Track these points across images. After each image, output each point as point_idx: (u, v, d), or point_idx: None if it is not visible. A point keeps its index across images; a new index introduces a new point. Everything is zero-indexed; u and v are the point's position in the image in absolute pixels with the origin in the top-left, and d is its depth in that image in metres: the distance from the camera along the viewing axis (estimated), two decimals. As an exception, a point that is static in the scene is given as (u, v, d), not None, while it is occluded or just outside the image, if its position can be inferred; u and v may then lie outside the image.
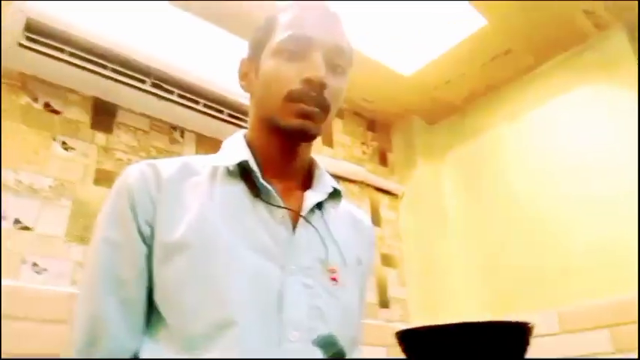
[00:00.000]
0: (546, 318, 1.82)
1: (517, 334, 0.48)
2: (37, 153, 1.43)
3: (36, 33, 1.35)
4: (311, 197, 0.73)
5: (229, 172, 0.72)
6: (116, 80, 1.50)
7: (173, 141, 1.73)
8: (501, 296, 2.04)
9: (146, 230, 0.66)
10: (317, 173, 0.79)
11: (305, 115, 0.69)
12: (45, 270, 1.33)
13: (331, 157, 2.19)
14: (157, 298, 0.65)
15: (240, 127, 1.67)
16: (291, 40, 0.71)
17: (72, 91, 1.55)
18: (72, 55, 1.41)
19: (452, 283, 2.19)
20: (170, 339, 0.63)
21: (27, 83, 1.48)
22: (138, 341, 0.65)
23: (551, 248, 1.92)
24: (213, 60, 1.66)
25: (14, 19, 1.32)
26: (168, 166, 0.71)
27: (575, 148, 1.95)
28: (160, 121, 1.72)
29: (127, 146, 1.62)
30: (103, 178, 1.52)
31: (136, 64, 1.51)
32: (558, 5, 1.83)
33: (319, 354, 0.65)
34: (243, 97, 1.61)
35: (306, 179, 0.79)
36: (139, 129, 1.67)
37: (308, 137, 0.73)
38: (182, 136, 1.76)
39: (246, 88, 0.80)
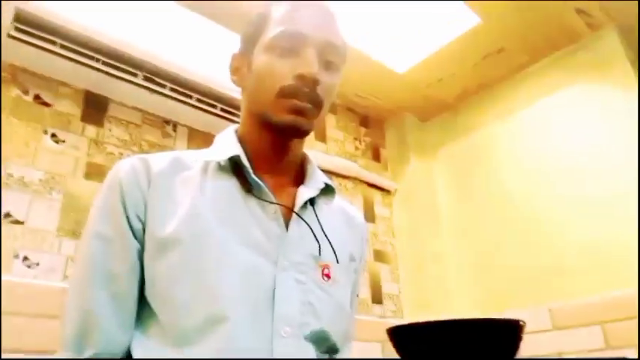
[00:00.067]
0: (538, 315, 1.84)
1: (508, 332, 0.48)
2: (28, 146, 1.42)
3: (26, 24, 1.33)
4: (303, 193, 0.73)
5: (221, 168, 0.72)
6: (107, 73, 1.48)
7: (165, 135, 1.72)
8: (494, 293, 2.05)
9: (137, 225, 0.66)
10: (309, 169, 0.79)
11: (298, 111, 0.69)
12: (36, 264, 1.32)
13: (324, 152, 2.19)
14: (149, 293, 0.65)
15: (234, 122, 1.67)
16: (284, 36, 0.71)
17: (63, 83, 1.54)
18: (63, 47, 1.39)
19: (444, 280, 2.20)
20: (162, 334, 0.63)
21: (17, 75, 1.46)
22: (129, 336, 0.65)
23: (544, 246, 1.93)
24: (206, 54, 1.65)
25: (3, 10, 1.30)
26: (159, 160, 0.71)
27: (567, 147, 1.96)
28: (153, 114, 1.71)
29: (118, 140, 1.61)
30: (94, 172, 1.51)
31: (128, 57, 1.50)
32: (551, 5, 1.83)
33: (311, 349, 0.65)
34: (236, 92, 1.60)
35: (299, 175, 0.79)
36: (131, 122, 1.66)
37: (300, 133, 0.73)
38: (174, 130, 1.75)
39: (237, 83, 0.79)
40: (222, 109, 1.70)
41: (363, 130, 2.46)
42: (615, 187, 1.78)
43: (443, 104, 2.43)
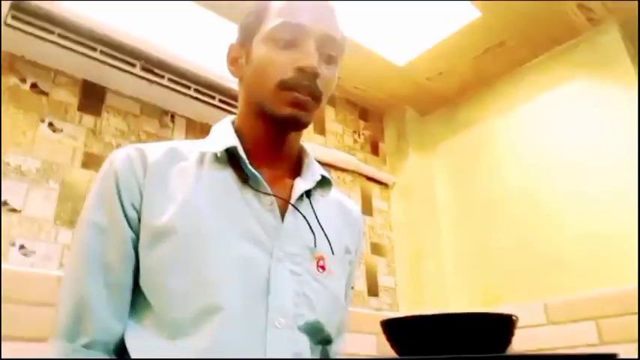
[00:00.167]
0: (533, 309, 1.84)
1: (500, 326, 0.49)
2: (25, 134, 1.41)
3: (23, 13, 1.32)
4: (300, 185, 0.73)
5: (217, 159, 0.71)
6: (105, 63, 1.47)
7: (163, 125, 1.72)
8: (490, 288, 2.06)
9: (132, 214, 0.66)
10: (306, 161, 0.79)
11: (298, 104, 0.69)
12: (33, 253, 1.32)
13: (323, 145, 2.18)
14: (143, 282, 0.65)
15: (232, 113, 1.66)
16: (285, 27, 0.70)
17: (60, 72, 1.53)
18: (61, 36, 1.38)
19: (441, 274, 2.21)
20: (156, 323, 0.63)
21: (15, 64, 1.45)
22: (123, 324, 0.65)
23: (540, 241, 1.94)
24: (205, 45, 1.64)
25: (1, -2, 1.29)
26: (155, 150, 0.71)
27: (566, 142, 1.96)
28: (151, 105, 1.70)
29: (116, 130, 1.60)
30: (91, 162, 1.50)
31: (126, 47, 1.49)
32: (553, -1, 1.83)
33: (305, 340, 0.66)
34: (235, 83, 1.59)
35: (296, 167, 0.79)
36: (129, 112, 1.65)
37: (299, 126, 0.73)
38: (172, 121, 1.75)
39: (235, 74, 0.79)
40: (221, 100, 1.69)
41: (362, 123, 2.45)
42: (613, 183, 1.78)
43: (443, 98, 2.42)
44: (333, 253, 0.73)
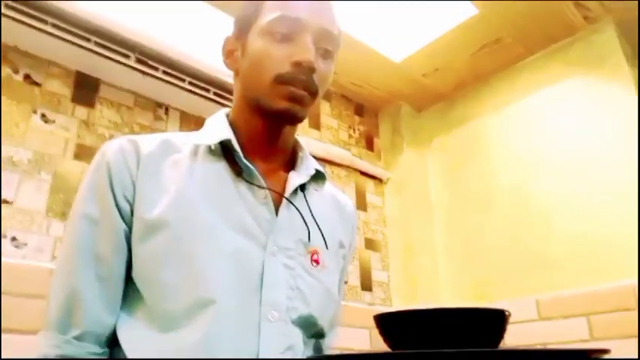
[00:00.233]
0: (525, 305, 1.86)
1: (493, 321, 0.49)
2: (17, 125, 1.40)
3: (17, 2, 1.30)
4: (294, 179, 0.73)
5: (211, 151, 0.71)
6: (99, 54, 1.46)
7: (157, 118, 1.71)
8: (482, 284, 2.07)
9: (125, 206, 0.65)
10: (300, 155, 0.79)
11: (294, 99, 0.69)
12: (24, 244, 1.32)
13: (318, 139, 2.18)
14: (135, 274, 0.65)
15: (226, 106, 1.64)
16: (281, 21, 0.70)
17: (53, 63, 1.52)
18: (54, 26, 1.37)
19: (434, 270, 2.22)
20: (148, 316, 0.63)
21: (7, 54, 1.44)
22: (114, 317, 0.65)
23: (533, 238, 1.95)
24: (200, 37, 1.63)
25: (-6, -14, 1.27)
26: (148, 142, 0.70)
27: (560, 140, 1.97)
28: (145, 97, 1.69)
29: (109, 122, 1.59)
30: (84, 153, 1.49)
31: (121, 39, 1.48)
32: (549, -4, 1.83)
33: (298, 334, 0.66)
34: (229, 77, 1.58)
35: (290, 161, 0.78)
36: (123, 104, 1.64)
37: (295, 120, 0.72)
38: (166, 114, 1.74)
39: (230, 67, 0.78)
40: (215, 93, 1.68)
41: (357, 118, 2.45)
42: (607, 182, 1.79)
43: (438, 94, 2.42)
44: (327, 248, 0.73)
